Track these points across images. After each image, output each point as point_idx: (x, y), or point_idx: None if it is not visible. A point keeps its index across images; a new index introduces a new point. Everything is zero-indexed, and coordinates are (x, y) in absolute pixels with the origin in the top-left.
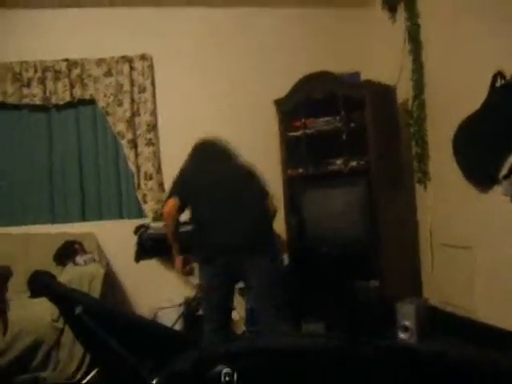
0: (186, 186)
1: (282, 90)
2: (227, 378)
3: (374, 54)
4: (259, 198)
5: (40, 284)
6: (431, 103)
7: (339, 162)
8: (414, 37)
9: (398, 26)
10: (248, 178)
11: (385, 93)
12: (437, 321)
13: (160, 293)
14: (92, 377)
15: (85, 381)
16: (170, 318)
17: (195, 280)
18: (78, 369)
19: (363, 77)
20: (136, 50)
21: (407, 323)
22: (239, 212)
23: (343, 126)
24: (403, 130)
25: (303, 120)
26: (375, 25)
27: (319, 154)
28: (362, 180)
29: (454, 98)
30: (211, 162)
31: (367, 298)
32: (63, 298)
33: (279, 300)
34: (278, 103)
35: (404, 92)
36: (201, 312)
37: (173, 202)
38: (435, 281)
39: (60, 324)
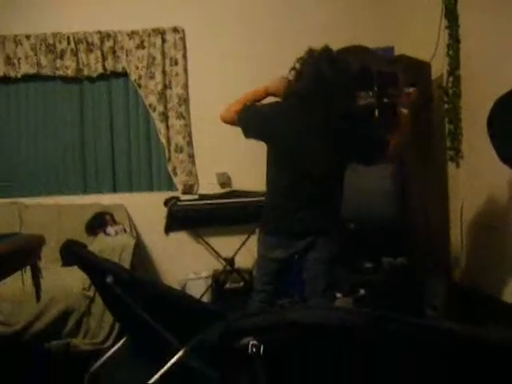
0: (267, 128)
1: None
2: (254, 350)
3: (409, 28)
4: (342, 167)
5: (72, 253)
6: (466, 80)
7: None
8: (450, 11)
9: None
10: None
11: (419, 68)
12: (465, 300)
13: (188, 265)
14: (121, 345)
15: (114, 349)
16: (197, 289)
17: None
18: (108, 337)
19: (397, 52)
20: (168, 22)
21: (435, 302)
22: (323, 194)
23: (376, 101)
24: (437, 107)
25: None
26: None
27: None
28: None
29: (490, 75)
30: (313, 117)
31: (395, 275)
32: (94, 267)
33: (332, 277)
34: None
35: (439, 68)
36: (228, 285)
37: (234, 119)
38: (465, 260)
39: (91, 293)
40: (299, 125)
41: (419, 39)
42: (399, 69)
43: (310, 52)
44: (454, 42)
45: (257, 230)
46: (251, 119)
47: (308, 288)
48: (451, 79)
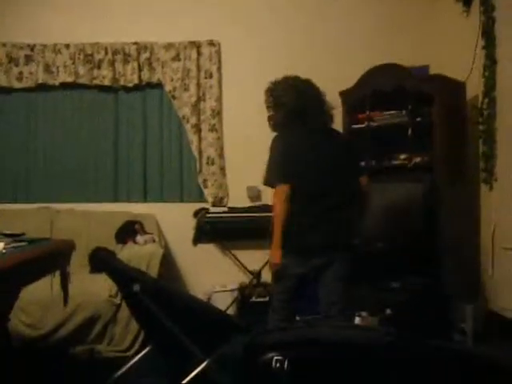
0: (291, 168)
1: (349, 81)
2: (278, 365)
3: (445, 47)
4: (355, 187)
5: (100, 260)
6: (502, 101)
7: (403, 156)
8: (488, 32)
9: (471, 19)
10: (349, 158)
11: (454, 88)
12: (494, 326)
13: (215, 277)
14: (145, 353)
15: (138, 357)
16: (223, 302)
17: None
18: (132, 345)
19: (432, 71)
20: (204, 35)
21: (463, 325)
22: (337, 208)
23: (409, 120)
24: (471, 128)
25: (368, 113)
26: (447, 17)
27: (383, 147)
28: (425, 177)
29: None
30: (312, 129)
31: (422, 295)
32: (122, 274)
33: (347, 295)
34: (344, 95)
35: (474, 88)
36: (254, 299)
37: (284, 189)
38: (495, 285)
39: (117, 300)
40: (303, 141)
41: (455, 59)
42: (434, 88)
43: (275, 81)
44: (491, 62)
45: None
46: (275, 169)
47: (324, 305)
48: (486, 100)
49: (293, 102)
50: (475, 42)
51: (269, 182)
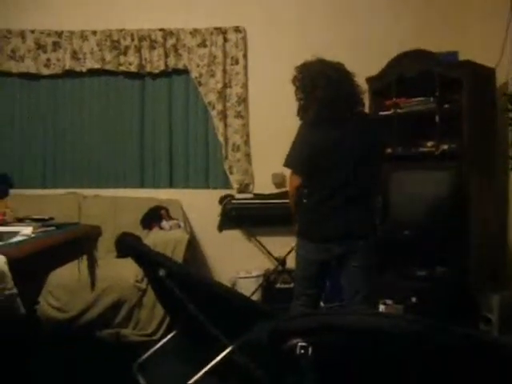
0: (304, 160)
1: (375, 67)
2: (302, 352)
3: (474, 33)
4: (376, 169)
5: (127, 245)
6: None
7: (430, 144)
8: None
9: (502, 4)
10: (373, 147)
11: (483, 74)
12: None
13: (240, 263)
14: (170, 338)
15: (163, 341)
16: (248, 288)
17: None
18: (157, 329)
19: (461, 57)
20: (230, 22)
21: (489, 315)
22: (359, 198)
23: (437, 107)
24: (500, 115)
25: (395, 99)
26: (477, 2)
27: (409, 134)
28: (452, 164)
29: None
30: (337, 118)
31: (449, 285)
32: (148, 259)
33: (371, 283)
34: (371, 81)
35: (504, 75)
36: (279, 285)
37: (295, 181)
38: None
39: (143, 285)
40: (326, 132)
41: (484, 45)
42: (463, 74)
43: (306, 62)
44: None
45: None
46: (294, 157)
47: (348, 294)
48: None
49: (321, 93)
50: (506, 28)
51: (287, 165)
